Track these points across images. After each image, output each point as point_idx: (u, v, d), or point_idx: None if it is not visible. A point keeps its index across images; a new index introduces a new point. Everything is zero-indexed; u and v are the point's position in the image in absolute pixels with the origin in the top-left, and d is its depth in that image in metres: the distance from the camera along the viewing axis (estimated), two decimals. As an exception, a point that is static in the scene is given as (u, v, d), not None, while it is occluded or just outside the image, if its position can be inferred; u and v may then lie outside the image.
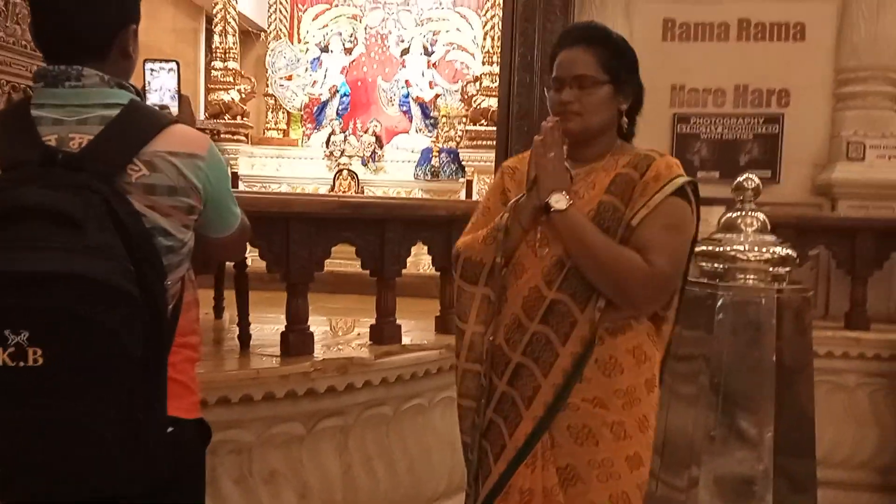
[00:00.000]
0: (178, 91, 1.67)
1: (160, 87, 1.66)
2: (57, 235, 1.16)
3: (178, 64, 1.69)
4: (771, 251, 2.83)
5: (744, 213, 2.92)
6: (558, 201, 1.57)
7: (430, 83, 9.12)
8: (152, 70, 1.66)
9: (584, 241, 1.55)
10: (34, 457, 1.19)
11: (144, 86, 1.64)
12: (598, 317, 1.57)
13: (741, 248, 2.83)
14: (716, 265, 2.90)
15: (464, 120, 8.43)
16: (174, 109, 1.64)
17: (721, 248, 2.87)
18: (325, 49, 9.25)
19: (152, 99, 1.64)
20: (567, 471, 1.60)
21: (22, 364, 1.12)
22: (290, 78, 8.95)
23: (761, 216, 2.91)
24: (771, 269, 2.82)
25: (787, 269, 2.85)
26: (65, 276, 1.14)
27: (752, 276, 2.81)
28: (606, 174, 1.62)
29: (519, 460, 1.61)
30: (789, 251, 2.87)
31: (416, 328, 3.11)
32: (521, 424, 1.61)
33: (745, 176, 2.96)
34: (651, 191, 1.57)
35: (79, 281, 1.14)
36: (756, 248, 2.82)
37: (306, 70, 9.01)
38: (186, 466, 1.46)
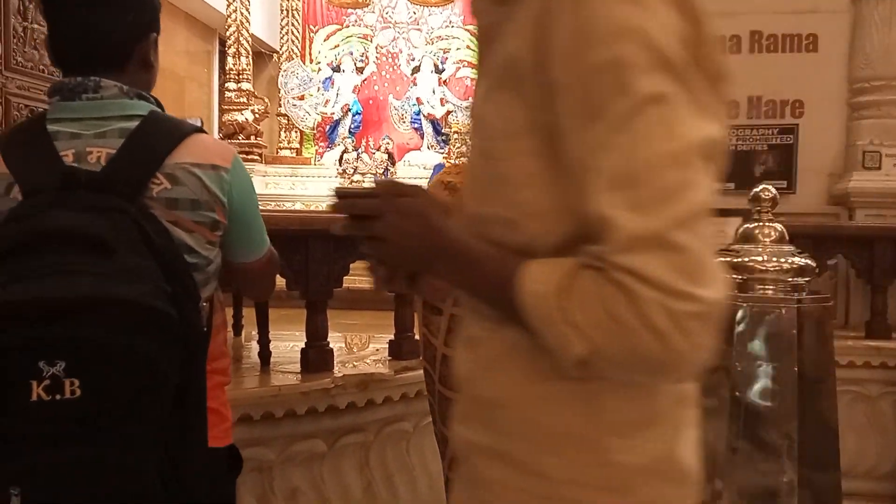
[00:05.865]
0: None
1: None
2: (87, 260, 1.09)
3: (201, 121, 1.49)
4: (790, 261, 2.81)
5: (761, 223, 2.91)
6: None
7: (442, 100, 9.18)
8: None
9: None
10: (71, 496, 1.10)
11: None
12: None
13: (760, 258, 2.82)
14: (734, 276, 2.89)
15: (475, 136, 8.47)
16: None
17: (739, 260, 2.86)
18: (336, 69, 9.34)
19: None
20: None
21: (59, 397, 1.03)
22: (302, 98, 9.02)
23: (779, 227, 2.90)
24: (790, 279, 2.80)
25: (807, 279, 2.84)
26: (98, 301, 1.07)
27: (771, 287, 2.80)
28: None
29: None
30: (808, 261, 2.85)
31: (434, 344, 3.10)
32: None
33: (761, 186, 2.95)
34: None
35: (113, 305, 1.07)
36: (775, 259, 2.81)
37: (318, 89, 9.09)
38: (218, 495, 1.40)
